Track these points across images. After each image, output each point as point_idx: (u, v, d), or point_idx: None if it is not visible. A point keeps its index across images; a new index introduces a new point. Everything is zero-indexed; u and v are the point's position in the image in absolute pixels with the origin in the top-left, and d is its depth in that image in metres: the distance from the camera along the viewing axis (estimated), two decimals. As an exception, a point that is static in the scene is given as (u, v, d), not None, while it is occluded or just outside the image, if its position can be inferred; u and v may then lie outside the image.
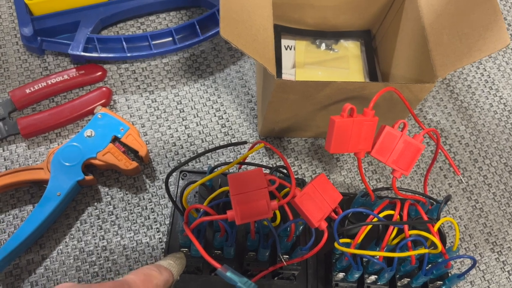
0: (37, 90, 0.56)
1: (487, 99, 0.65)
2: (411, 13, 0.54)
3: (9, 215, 0.51)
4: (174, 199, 0.49)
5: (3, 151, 0.54)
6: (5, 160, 0.53)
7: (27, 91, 0.55)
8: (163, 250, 0.51)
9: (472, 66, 0.67)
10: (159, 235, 0.52)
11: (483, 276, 0.54)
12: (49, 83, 0.56)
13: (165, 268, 0.39)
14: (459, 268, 0.54)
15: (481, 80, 0.66)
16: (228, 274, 0.36)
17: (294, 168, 0.57)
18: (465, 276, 0.43)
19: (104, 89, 0.57)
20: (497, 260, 0.55)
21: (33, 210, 0.48)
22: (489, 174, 0.60)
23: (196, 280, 0.46)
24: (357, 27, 0.65)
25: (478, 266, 0.54)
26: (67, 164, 0.50)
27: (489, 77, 0.67)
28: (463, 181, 0.58)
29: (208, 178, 0.43)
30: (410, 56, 0.55)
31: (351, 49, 0.65)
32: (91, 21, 0.58)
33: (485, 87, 0.66)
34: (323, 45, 0.64)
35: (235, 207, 0.39)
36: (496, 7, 0.46)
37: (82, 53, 0.57)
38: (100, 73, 0.58)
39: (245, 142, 0.45)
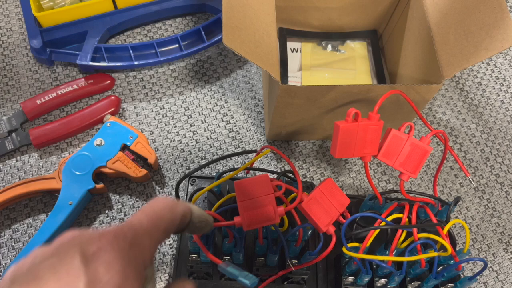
0: (48, 101, 0.57)
1: (498, 95, 0.64)
2: (417, 12, 0.54)
3: (23, 224, 0.52)
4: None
5: (16, 161, 0.55)
6: (18, 170, 0.55)
7: (38, 102, 0.56)
8: (173, 256, 0.51)
9: (482, 63, 0.66)
10: (169, 241, 0.52)
11: (496, 277, 0.53)
12: (59, 93, 0.57)
13: (182, 203, 0.32)
14: (472, 269, 0.53)
15: (491, 76, 0.65)
16: (229, 269, 0.37)
17: (302, 171, 0.57)
18: (477, 278, 0.42)
19: (112, 97, 0.57)
20: (511, 260, 0.54)
21: (46, 219, 0.49)
22: (501, 173, 0.59)
23: (206, 286, 0.46)
24: (363, 27, 0.65)
25: (491, 267, 0.53)
26: (78, 173, 0.51)
27: (500, 73, 0.66)
28: (473, 182, 0.57)
29: (215, 184, 0.44)
30: (417, 56, 0.54)
31: (357, 49, 0.64)
32: (98, 30, 0.59)
33: (496, 83, 0.65)
34: (329, 46, 0.64)
35: (242, 214, 0.39)
36: (503, 3, 0.45)
37: (90, 63, 0.58)
38: (108, 82, 0.59)
39: (254, 151, 0.45)
